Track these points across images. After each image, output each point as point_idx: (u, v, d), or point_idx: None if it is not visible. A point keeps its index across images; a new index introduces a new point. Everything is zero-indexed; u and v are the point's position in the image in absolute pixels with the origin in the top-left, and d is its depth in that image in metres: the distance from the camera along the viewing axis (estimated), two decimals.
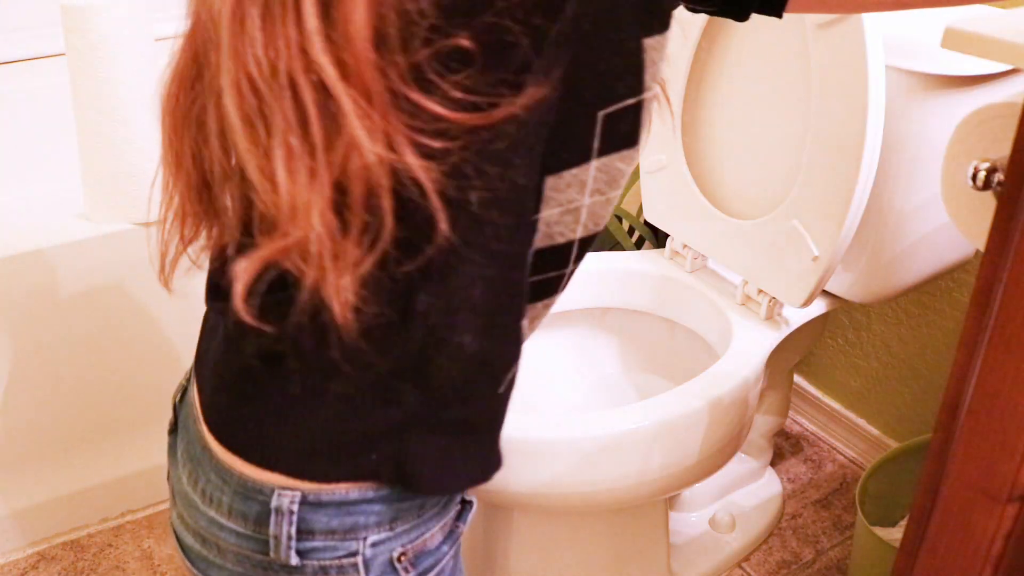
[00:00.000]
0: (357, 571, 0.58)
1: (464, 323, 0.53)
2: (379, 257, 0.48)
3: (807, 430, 1.70)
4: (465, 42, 0.44)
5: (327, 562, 0.58)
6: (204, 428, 0.61)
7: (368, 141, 0.44)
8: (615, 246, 1.58)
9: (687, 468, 1.06)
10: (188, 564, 0.65)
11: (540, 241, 0.56)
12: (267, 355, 0.56)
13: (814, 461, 1.63)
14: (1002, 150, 0.74)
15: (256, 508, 0.58)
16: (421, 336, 0.53)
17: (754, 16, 0.72)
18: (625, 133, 0.54)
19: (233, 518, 0.59)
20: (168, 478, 0.68)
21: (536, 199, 0.53)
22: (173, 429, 0.67)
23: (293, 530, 0.58)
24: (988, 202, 0.78)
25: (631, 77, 0.52)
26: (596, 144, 0.53)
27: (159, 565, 1.41)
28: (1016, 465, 0.49)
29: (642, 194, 1.37)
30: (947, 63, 1.04)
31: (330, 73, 0.43)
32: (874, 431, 1.59)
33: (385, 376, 0.54)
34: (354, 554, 0.58)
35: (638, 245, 1.59)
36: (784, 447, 1.66)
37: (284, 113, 0.44)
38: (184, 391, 0.68)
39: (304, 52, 0.43)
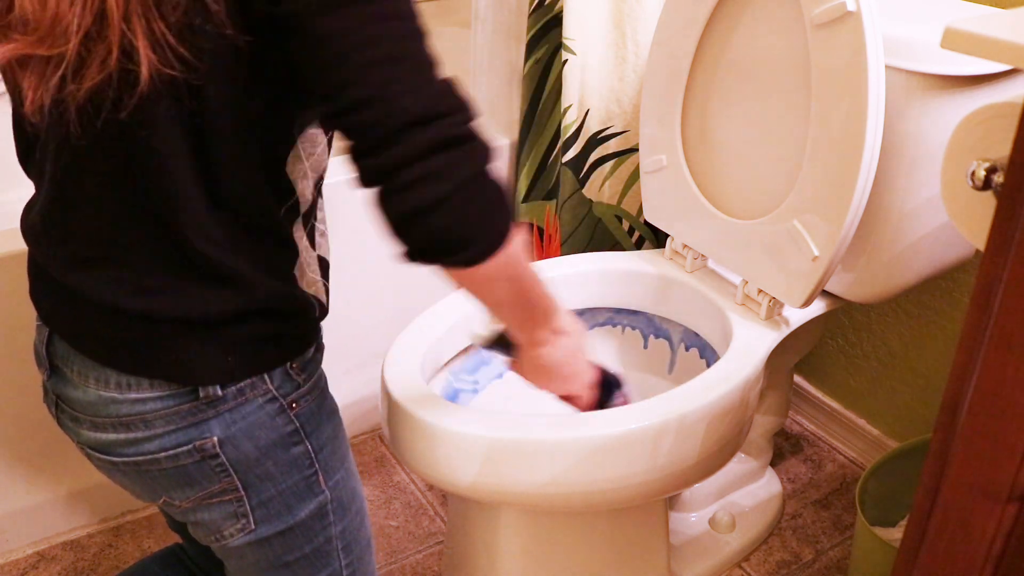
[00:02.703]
0: (265, 383, 0.76)
1: None
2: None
3: (807, 430, 1.70)
4: None
5: (243, 384, 0.74)
6: None
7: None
8: (615, 246, 1.58)
9: (687, 468, 1.06)
10: (113, 459, 0.76)
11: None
12: None
13: (814, 461, 1.63)
14: (1002, 150, 0.74)
15: None
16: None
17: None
18: None
19: (155, 386, 0.73)
20: (59, 420, 0.80)
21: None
22: (53, 370, 0.79)
23: None
24: (988, 202, 0.78)
25: None
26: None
27: None
28: (1016, 465, 0.49)
29: (642, 194, 1.37)
30: (947, 63, 1.04)
31: None
32: (874, 431, 1.59)
33: None
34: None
35: (638, 245, 1.59)
36: (784, 447, 1.66)
37: None
38: (48, 337, 0.79)
39: None
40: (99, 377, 0.74)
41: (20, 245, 1.28)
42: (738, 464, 1.47)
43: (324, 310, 0.82)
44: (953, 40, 0.59)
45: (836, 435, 1.66)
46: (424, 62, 0.63)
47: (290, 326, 0.77)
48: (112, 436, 0.75)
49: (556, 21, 1.42)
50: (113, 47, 0.61)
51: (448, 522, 1.35)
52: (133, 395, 0.73)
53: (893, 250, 1.16)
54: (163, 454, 0.75)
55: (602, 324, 1.37)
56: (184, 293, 0.71)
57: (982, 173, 0.64)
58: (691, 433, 1.03)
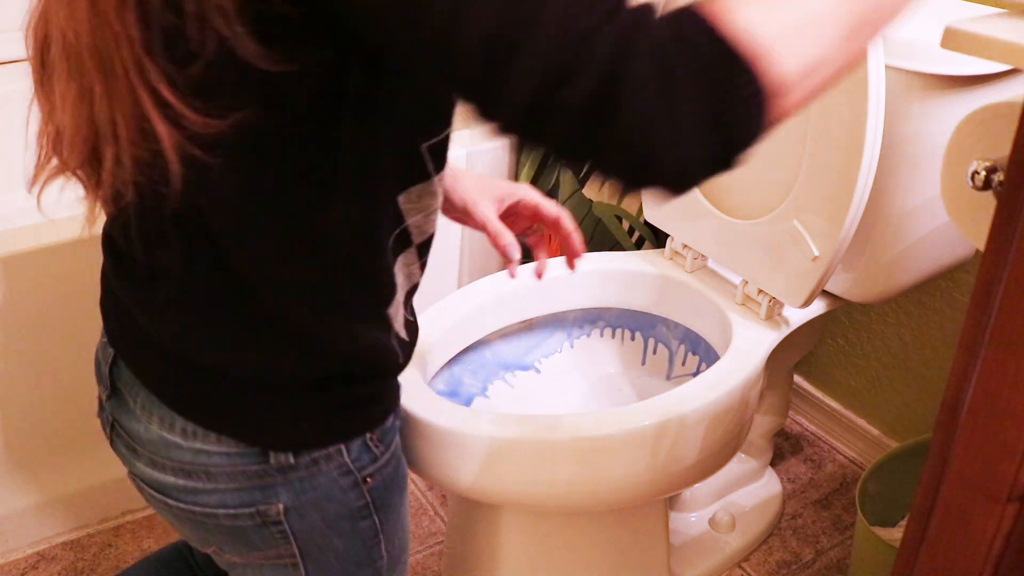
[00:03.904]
0: (341, 456, 0.70)
1: None
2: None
3: (807, 430, 1.70)
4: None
5: (316, 454, 0.69)
6: None
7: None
8: (615, 246, 1.58)
9: (687, 468, 1.06)
10: (169, 502, 0.71)
11: (419, 238, 0.70)
12: None
13: (814, 461, 1.63)
14: (1002, 150, 0.74)
15: None
16: None
17: None
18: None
19: (223, 442, 0.67)
20: (113, 442, 0.75)
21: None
22: (114, 391, 0.73)
23: None
24: (988, 202, 0.78)
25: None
26: (431, 167, 0.67)
27: None
28: (1016, 465, 0.49)
29: (642, 194, 1.37)
30: (947, 63, 1.04)
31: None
32: (874, 431, 1.59)
33: None
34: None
35: (638, 245, 1.59)
36: (784, 447, 1.66)
37: None
38: (113, 358, 0.73)
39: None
40: (164, 418, 0.68)
41: (20, 245, 1.28)
42: (738, 464, 1.47)
43: (408, 350, 0.74)
44: (953, 40, 0.59)
45: (836, 435, 1.66)
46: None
47: (372, 387, 0.72)
48: (171, 480, 0.70)
49: None
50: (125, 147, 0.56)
51: (448, 522, 1.35)
52: (198, 445, 0.67)
53: (893, 250, 1.16)
54: (222, 511, 0.69)
55: (602, 324, 1.37)
56: (257, 351, 0.65)
57: (982, 173, 0.65)
58: (691, 433, 1.03)
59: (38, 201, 0.64)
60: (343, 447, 0.70)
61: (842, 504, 1.53)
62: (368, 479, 0.72)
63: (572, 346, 1.37)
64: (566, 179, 1.49)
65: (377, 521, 0.75)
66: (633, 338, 1.37)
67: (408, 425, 1.01)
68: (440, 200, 0.70)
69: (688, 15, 0.46)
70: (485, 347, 1.29)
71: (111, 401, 0.74)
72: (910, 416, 1.52)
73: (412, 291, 0.75)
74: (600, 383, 1.36)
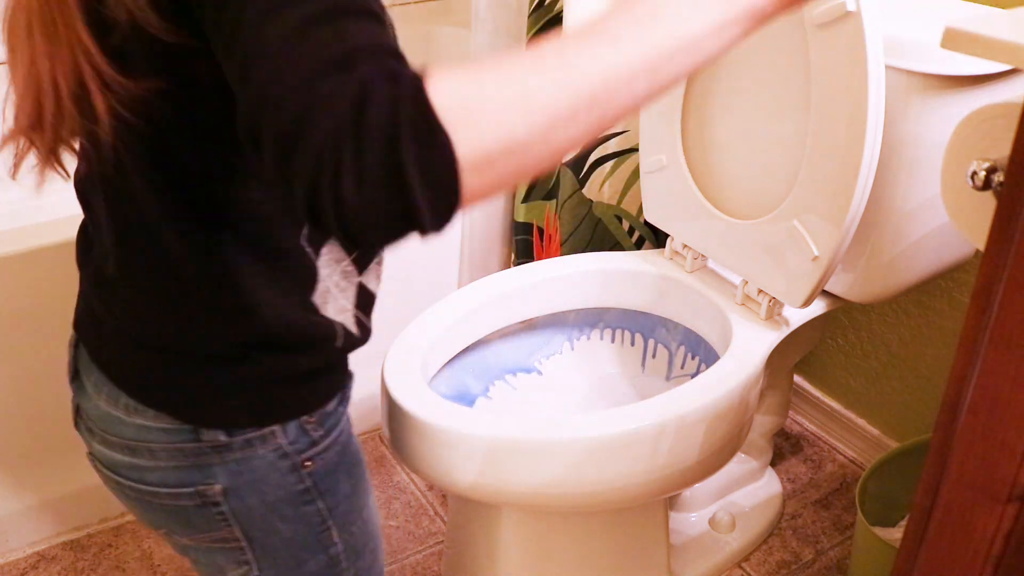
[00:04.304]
0: (276, 437, 0.70)
1: None
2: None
3: (807, 430, 1.70)
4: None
5: (251, 434, 0.69)
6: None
7: None
8: (615, 246, 1.58)
9: (687, 468, 1.06)
10: (119, 479, 0.73)
11: None
12: None
13: (814, 461, 1.63)
14: (1002, 150, 0.74)
15: None
16: None
17: None
18: None
19: (160, 418, 0.68)
20: (77, 424, 0.77)
21: None
22: (75, 373, 0.76)
23: None
24: (988, 202, 0.78)
25: None
26: None
27: (159, 565, 1.41)
28: (1016, 465, 0.49)
29: (642, 194, 1.37)
30: (947, 63, 1.04)
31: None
32: (874, 431, 1.59)
33: None
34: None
35: (638, 245, 1.59)
36: (784, 447, 1.66)
37: None
38: (76, 341, 0.76)
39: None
40: (110, 394, 0.70)
41: (20, 245, 1.28)
42: (738, 464, 1.47)
43: (352, 340, 0.73)
44: (953, 40, 0.59)
45: (836, 435, 1.66)
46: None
47: (302, 365, 0.71)
48: (118, 456, 0.72)
49: (556, 21, 1.42)
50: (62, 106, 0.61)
51: (448, 522, 1.35)
52: (139, 420, 0.69)
53: (893, 250, 1.16)
54: (164, 490, 0.71)
55: (602, 326, 1.37)
56: (187, 322, 0.67)
57: (982, 173, 0.64)
58: (691, 433, 1.03)
59: (13, 175, 0.68)
60: (278, 429, 0.70)
61: (842, 504, 1.53)
62: (307, 463, 0.72)
63: (572, 348, 1.37)
64: (566, 179, 1.49)
65: (323, 507, 0.74)
66: (633, 342, 1.37)
67: (408, 425, 1.01)
68: None
69: (412, 75, 0.45)
70: (487, 349, 1.29)
71: (73, 384, 0.76)
72: (910, 416, 1.52)
73: (361, 294, 0.74)
74: (600, 383, 1.36)
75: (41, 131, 0.64)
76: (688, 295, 1.29)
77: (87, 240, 0.73)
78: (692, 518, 1.44)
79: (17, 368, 1.33)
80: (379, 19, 0.48)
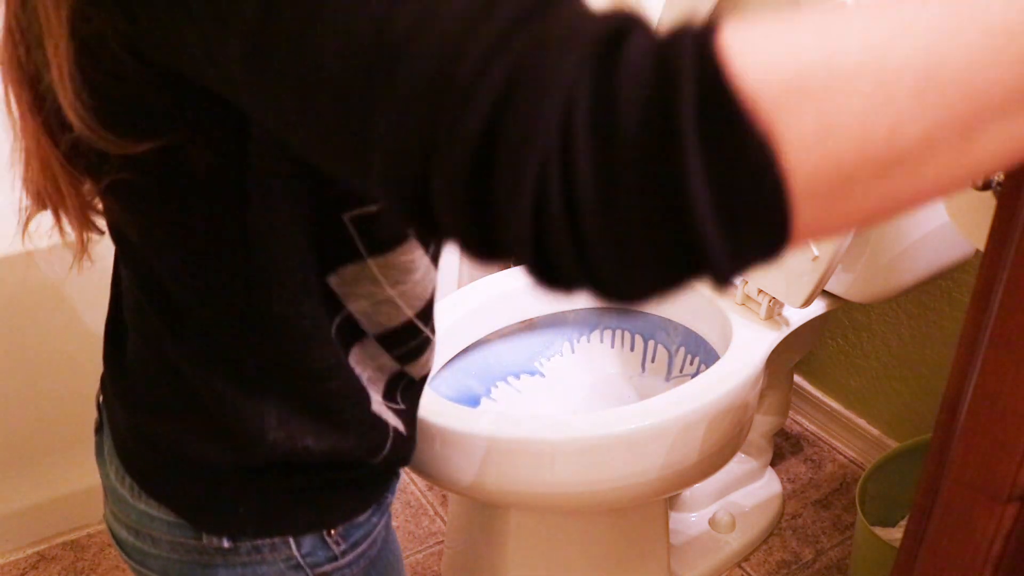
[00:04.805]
0: (289, 548, 0.60)
1: None
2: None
3: (807, 430, 1.70)
4: None
5: (259, 541, 0.60)
6: None
7: None
8: None
9: (687, 468, 1.06)
10: (125, 557, 0.67)
11: (374, 328, 0.61)
12: None
13: (814, 461, 1.63)
14: None
15: None
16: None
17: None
18: (384, 234, 0.55)
19: (162, 508, 0.61)
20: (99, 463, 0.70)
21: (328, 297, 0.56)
22: (99, 428, 0.69)
23: None
24: (988, 202, 0.78)
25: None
26: (361, 245, 0.55)
27: None
28: (1016, 465, 0.49)
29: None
30: None
31: None
32: (874, 431, 1.59)
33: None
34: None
35: None
36: (784, 447, 1.66)
37: None
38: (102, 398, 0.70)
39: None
40: (119, 470, 0.63)
41: (20, 245, 1.28)
42: (738, 464, 1.47)
43: (402, 444, 0.63)
44: None
45: (836, 435, 1.66)
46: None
47: (328, 478, 0.61)
48: (124, 535, 0.65)
49: None
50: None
51: (448, 522, 1.35)
52: (142, 506, 0.62)
53: (893, 250, 1.16)
54: None
55: (602, 328, 1.37)
56: (186, 428, 0.59)
57: None
58: (691, 433, 1.03)
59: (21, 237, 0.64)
60: (291, 539, 0.60)
61: (842, 504, 1.53)
62: None
63: (573, 351, 1.37)
64: None
65: None
66: (633, 344, 1.37)
67: None
68: (411, 287, 0.61)
69: (688, 41, 0.27)
70: (487, 350, 1.29)
71: (97, 436, 0.70)
72: (910, 416, 1.52)
73: (399, 379, 0.65)
74: (600, 383, 1.36)
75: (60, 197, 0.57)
76: (688, 295, 1.29)
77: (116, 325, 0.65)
78: (692, 518, 1.44)
79: (17, 368, 1.33)
80: None
